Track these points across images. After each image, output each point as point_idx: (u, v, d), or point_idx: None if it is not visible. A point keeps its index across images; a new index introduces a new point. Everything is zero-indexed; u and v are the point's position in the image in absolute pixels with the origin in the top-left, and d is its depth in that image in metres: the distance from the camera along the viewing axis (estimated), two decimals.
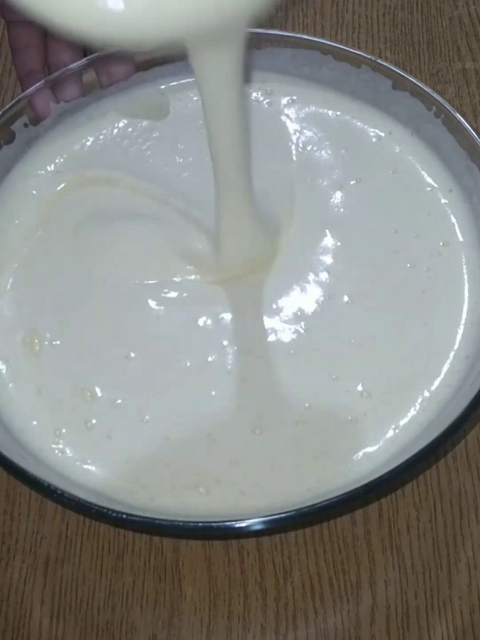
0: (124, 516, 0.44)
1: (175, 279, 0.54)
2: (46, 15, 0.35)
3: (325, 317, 0.53)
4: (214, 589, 0.50)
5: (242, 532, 0.48)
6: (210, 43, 0.41)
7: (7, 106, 0.55)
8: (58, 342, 0.52)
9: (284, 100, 0.60)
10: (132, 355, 0.52)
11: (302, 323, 0.52)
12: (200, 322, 0.53)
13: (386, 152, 0.58)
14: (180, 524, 0.45)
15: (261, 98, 0.59)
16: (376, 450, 0.49)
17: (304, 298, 0.53)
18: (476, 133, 0.54)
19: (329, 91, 0.59)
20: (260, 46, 0.58)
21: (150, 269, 0.54)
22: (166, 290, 0.53)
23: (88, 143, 0.59)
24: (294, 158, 0.58)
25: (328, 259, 0.55)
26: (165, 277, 0.54)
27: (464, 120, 0.54)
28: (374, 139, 0.58)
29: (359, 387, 0.51)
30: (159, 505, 0.48)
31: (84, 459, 0.49)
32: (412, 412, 0.50)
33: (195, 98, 0.59)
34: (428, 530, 0.51)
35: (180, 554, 0.50)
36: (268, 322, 0.53)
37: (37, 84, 0.56)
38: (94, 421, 0.50)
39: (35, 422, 0.50)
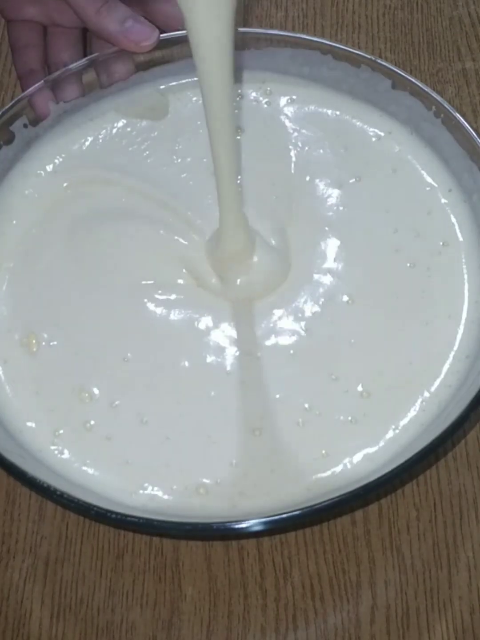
0: (124, 517, 0.44)
1: (172, 280, 0.54)
2: None
3: (325, 317, 0.53)
4: (214, 589, 0.50)
5: (242, 532, 0.48)
6: None
7: (7, 106, 0.55)
8: (55, 343, 0.52)
9: (284, 100, 0.60)
10: (130, 356, 0.52)
11: (302, 323, 0.52)
12: (199, 322, 0.53)
13: (386, 151, 0.58)
14: (180, 525, 0.45)
15: (260, 98, 0.59)
16: (376, 450, 0.49)
17: (303, 298, 0.53)
18: (476, 133, 0.53)
19: (328, 91, 0.59)
20: (260, 46, 0.58)
21: (148, 269, 0.54)
22: (164, 291, 0.53)
23: (87, 143, 0.59)
24: (293, 158, 0.58)
25: (328, 259, 0.54)
26: (163, 278, 0.54)
27: (463, 120, 0.54)
28: (373, 139, 0.58)
29: (359, 387, 0.51)
30: (158, 506, 0.48)
31: (83, 460, 0.49)
32: (412, 412, 0.50)
33: (194, 98, 0.59)
34: (428, 530, 0.51)
35: (180, 554, 0.50)
36: (267, 323, 0.53)
37: (37, 84, 0.56)
38: (92, 422, 0.50)
39: (34, 423, 0.50)
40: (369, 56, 0.56)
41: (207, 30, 0.43)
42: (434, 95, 0.55)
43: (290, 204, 0.56)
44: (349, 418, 0.50)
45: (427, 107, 0.56)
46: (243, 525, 0.44)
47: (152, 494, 0.48)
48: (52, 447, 0.50)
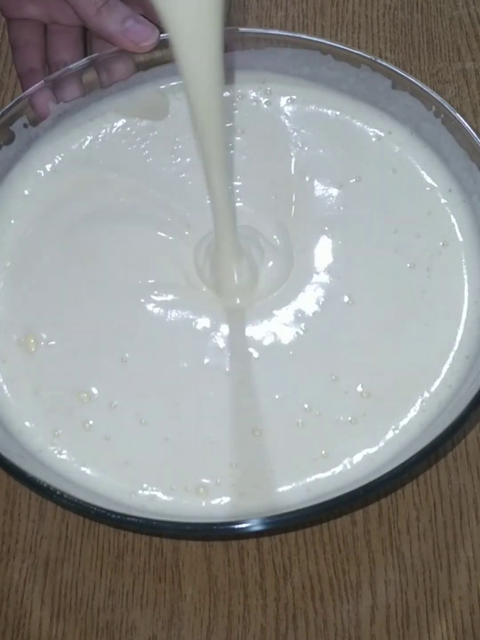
0: (124, 517, 0.44)
1: (171, 280, 0.54)
2: None
3: (325, 317, 0.53)
4: (214, 589, 0.50)
5: (242, 533, 0.48)
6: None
7: (7, 106, 0.55)
8: (54, 343, 0.52)
9: (284, 100, 0.59)
10: (128, 356, 0.52)
11: (302, 323, 0.52)
12: (197, 323, 0.53)
13: (386, 151, 0.58)
14: (180, 525, 0.45)
15: (260, 98, 0.59)
16: (376, 450, 0.49)
17: (303, 298, 0.53)
18: (476, 133, 0.53)
19: (328, 91, 0.59)
20: (260, 46, 0.58)
21: (147, 269, 0.54)
22: (163, 291, 0.53)
23: (86, 142, 0.59)
24: (293, 158, 0.58)
25: (328, 259, 0.54)
26: (161, 278, 0.54)
27: (463, 120, 0.54)
28: (373, 139, 0.58)
29: (359, 388, 0.51)
30: (158, 507, 0.48)
31: (82, 460, 0.49)
32: (412, 412, 0.50)
33: None
34: (428, 531, 0.51)
35: (180, 554, 0.50)
36: (267, 323, 0.53)
37: (37, 84, 0.56)
38: (91, 422, 0.50)
39: (33, 423, 0.50)
40: (369, 56, 0.56)
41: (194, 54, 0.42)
42: (434, 95, 0.55)
43: (291, 204, 0.56)
44: (349, 418, 0.50)
45: (427, 107, 0.56)
46: (243, 525, 0.44)
47: (151, 494, 0.48)
48: (51, 447, 0.50)
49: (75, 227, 0.56)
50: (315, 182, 0.57)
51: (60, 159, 0.58)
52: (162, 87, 0.60)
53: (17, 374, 0.52)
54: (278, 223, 0.55)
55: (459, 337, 0.52)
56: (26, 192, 0.57)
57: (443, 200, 0.56)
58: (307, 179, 0.57)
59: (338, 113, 0.59)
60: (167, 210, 0.56)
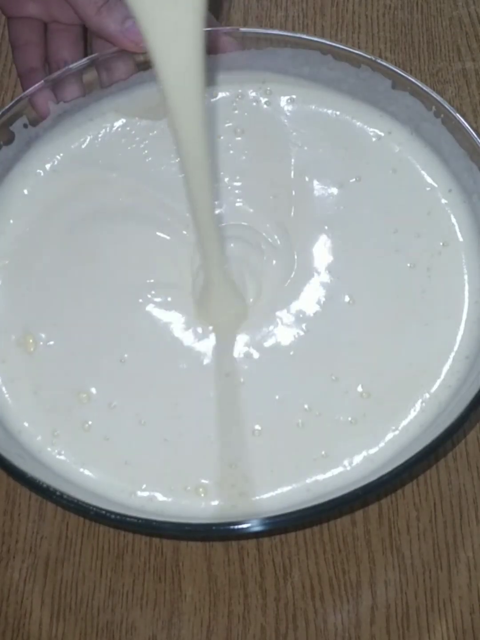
0: (124, 518, 0.44)
1: (170, 280, 0.54)
2: None
3: (325, 317, 0.53)
4: (214, 589, 0.50)
5: (242, 533, 0.48)
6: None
7: (7, 106, 0.55)
8: (53, 343, 0.52)
9: (284, 100, 0.59)
10: (127, 356, 0.52)
11: (302, 324, 0.52)
12: (196, 323, 0.52)
13: (386, 151, 0.58)
14: (180, 525, 0.45)
15: (260, 98, 0.59)
16: (376, 451, 0.49)
17: (303, 298, 0.53)
18: (476, 133, 0.53)
19: (328, 91, 0.59)
20: (260, 46, 0.58)
21: (146, 269, 0.54)
22: (162, 291, 0.53)
23: (86, 142, 0.58)
24: (293, 158, 0.58)
25: (328, 259, 0.54)
26: (160, 278, 0.54)
27: (463, 120, 0.54)
28: (373, 139, 0.58)
29: (359, 388, 0.51)
30: (158, 507, 0.48)
31: (82, 461, 0.49)
32: (412, 413, 0.50)
33: None
34: (428, 531, 0.51)
35: (180, 554, 0.50)
36: (267, 323, 0.53)
37: (37, 84, 0.56)
38: (90, 422, 0.50)
39: (33, 423, 0.50)
40: (369, 56, 0.56)
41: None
42: (434, 95, 0.55)
43: (291, 203, 0.56)
44: (349, 418, 0.50)
45: (427, 107, 0.56)
46: (243, 525, 0.44)
47: (151, 495, 0.48)
48: (51, 448, 0.50)
49: (75, 227, 0.55)
50: (315, 182, 0.57)
51: (60, 158, 0.58)
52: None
53: (16, 374, 0.52)
54: (278, 223, 0.55)
55: (459, 337, 0.52)
56: (26, 192, 0.57)
57: (443, 200, 0.56)
58: (306, 178, 0.57)
59: (338, 113, 0.59)
60: (166, 210, 0.56)
